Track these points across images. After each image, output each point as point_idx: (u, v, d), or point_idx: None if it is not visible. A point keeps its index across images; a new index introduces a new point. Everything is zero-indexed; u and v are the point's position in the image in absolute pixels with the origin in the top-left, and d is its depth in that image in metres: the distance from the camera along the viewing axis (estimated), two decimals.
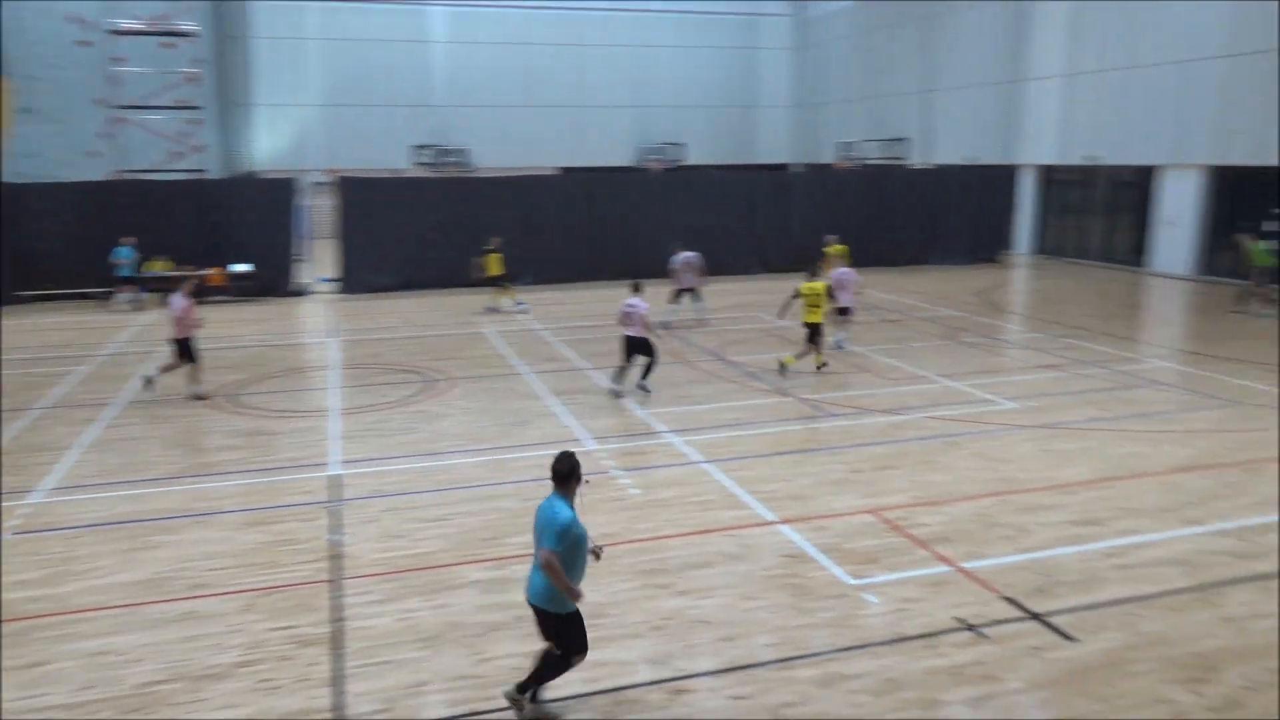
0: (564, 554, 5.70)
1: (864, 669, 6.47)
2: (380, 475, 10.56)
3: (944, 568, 8.01)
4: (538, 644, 6.10)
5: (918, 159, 37.58)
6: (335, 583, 7.88)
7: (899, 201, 29.26)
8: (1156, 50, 26.80)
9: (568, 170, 41.27)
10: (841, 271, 16.90)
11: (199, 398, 13.77)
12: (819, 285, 14.93)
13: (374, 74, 41.89)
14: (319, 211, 31.77)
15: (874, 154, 39.88)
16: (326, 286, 25.20)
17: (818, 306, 14.70)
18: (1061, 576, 7.82)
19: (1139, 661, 6.52)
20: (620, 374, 13.88)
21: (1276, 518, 9.00)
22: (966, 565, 8.05)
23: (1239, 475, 10.20)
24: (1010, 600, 7.42)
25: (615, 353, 14.02)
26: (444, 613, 7.35)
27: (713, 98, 47.33)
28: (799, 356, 14.86)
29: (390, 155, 42.09)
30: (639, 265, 26.59)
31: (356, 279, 24.67)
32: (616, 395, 13.72)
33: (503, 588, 7.73)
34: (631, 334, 13.61)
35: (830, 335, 16.06)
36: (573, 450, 6.13)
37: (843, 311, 16.60)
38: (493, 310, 21.66)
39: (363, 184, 25.13)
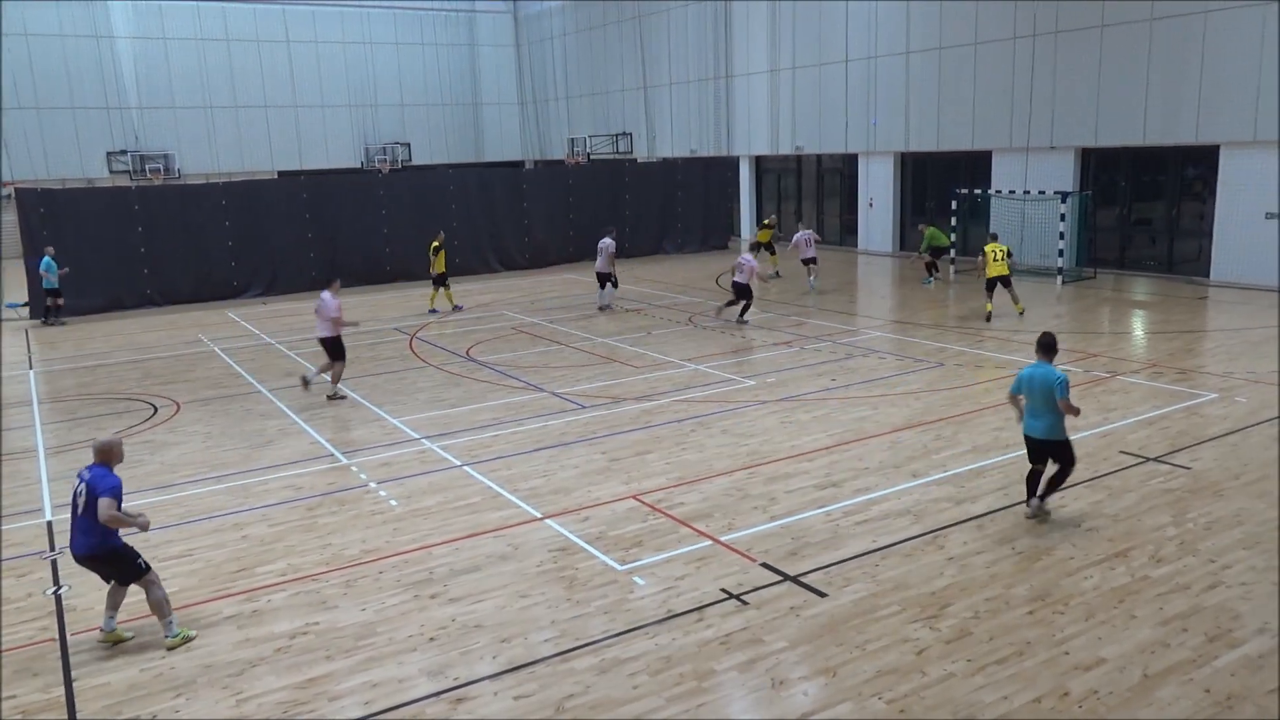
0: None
1: (640, 650, 6.63)
2: None
3: (705, 543, 8.37)
4: (308, 672, 5.75)
5: (644, 153, 38.88)
6: (63, 640, 7.07)
7: (632, 194, 30.16)
8: (845, 48, 29.21)
9: (287, 174, 39.24)
10: (803, 234, 22.43)
11: (340, 397, 13.97)
12: (998, 246, 17.98)
13: (53, 73, 37.50)
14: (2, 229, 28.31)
15: (602, 149, 40.83)
16: (16, 313, 22.52)
17: (1000, 260, 17.73)
18: (810, 538, 8.39)
19: (883, 607, 7.11)
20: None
21: (984, 463, 10.13)
22: (725, 538, 8.44)
23: (950, 428, 11.38)
24: (767, 566, 7.86)
25: (359, 362, 13.50)
26: (195, 655, 6.80)
27: (436, 96, 46.41)
28: (992, 302, 18.12)
29: (85, 164, 38.14)
30: (375, 270, 26.02)
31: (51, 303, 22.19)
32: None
33: (259, 620, 7.25)
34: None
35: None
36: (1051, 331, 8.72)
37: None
38: (434, 312, 21.12)
39: (46, 196, 22.55)
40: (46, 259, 21.18)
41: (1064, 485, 8.64)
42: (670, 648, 6.65)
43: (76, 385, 15.51)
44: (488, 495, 9.75)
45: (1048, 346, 8.41)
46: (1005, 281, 17.81)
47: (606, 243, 20.33)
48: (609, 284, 20.44)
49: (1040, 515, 8.57)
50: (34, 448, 12.06)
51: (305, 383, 14.29)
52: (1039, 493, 8.55)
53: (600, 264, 20.34)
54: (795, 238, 22.63)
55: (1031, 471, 8.62)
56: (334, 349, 13.94)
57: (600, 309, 20.51)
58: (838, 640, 6.66)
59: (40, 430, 12.91)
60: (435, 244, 21.11)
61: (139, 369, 16.51)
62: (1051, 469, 8.51)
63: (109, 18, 38.40)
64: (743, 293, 18.45)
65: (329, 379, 14.04)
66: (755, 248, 24.41)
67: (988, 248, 18.02)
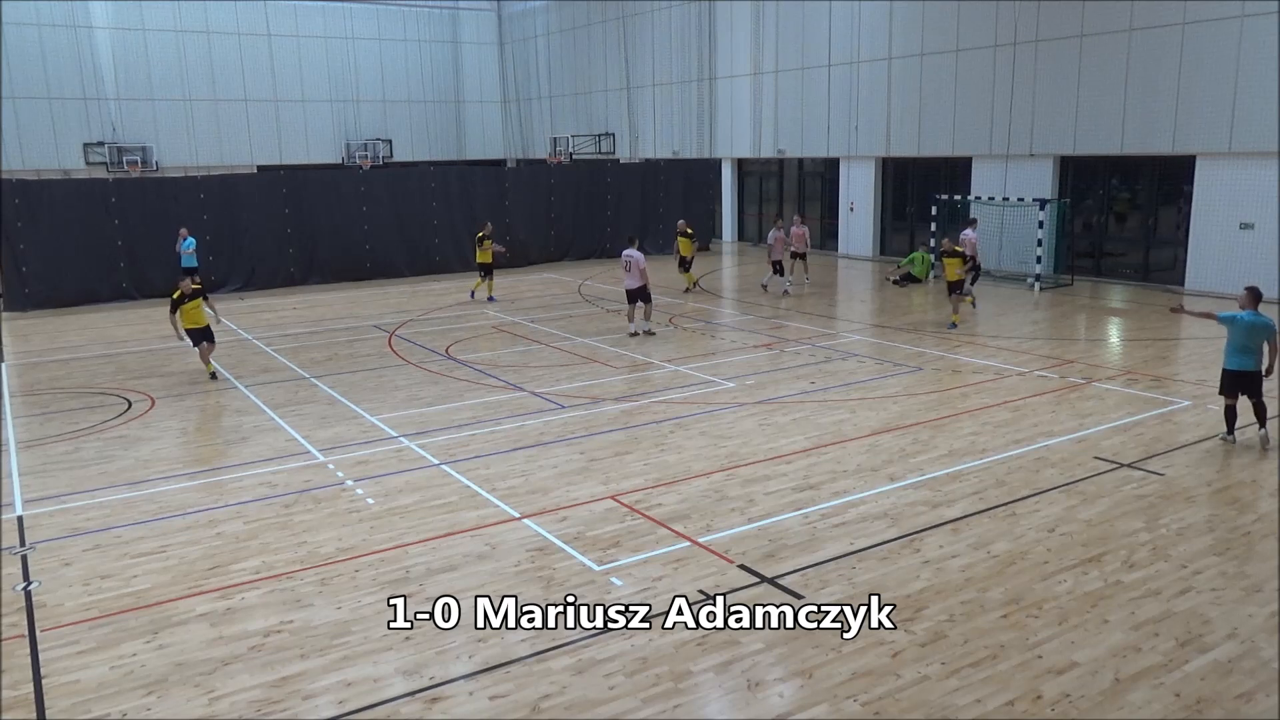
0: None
1: (616, 651, 6.62)
2: (76, 511, 9.47)
3: (683, 544, 8.37)
4: (281, 670, 5.69)
5: (626, 154, 38.86)
6: (32, 637, 6.98)
7: (614, 195, 30.14)
8: (827, 52, 29.31)
9: (267, 168, 38.93)
10: (780, 231, 23.18)
11: (651, 333, 17.30)
12: (954, 247, 18.46)
13: (30, 63, 37.02)
14: None
15: (585, 149, 40.78)
16: None
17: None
18: (787, 540, 8.41)
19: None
20: None
21: (960, 467, 10.19)
22: (702, 539, 8.44)
23: (928, 432, 11.44)
24: (744, 568, 7.87)
25: (336, 359, 13.39)
26: (167, 653, 6.73)
27: (419, 93, 46.15)
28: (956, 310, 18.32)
29: (61, 155, 37.69)
30: (354, 266, 25.88)
31: (24, 294, 21.96)
32: None
33: (232, 618, 7.19)
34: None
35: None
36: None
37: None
38: (491, 299, 22.26)
39: (20, 186, 22.23)
40: (189, 239, 22.09)
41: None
42: (647, 649, 6.65)
43: (49, 379, 15.33)
44: (465, 494, 9.71)
45: (1256, 296, 10.46)
46: (956, 285, 17.97)
47: (778, 234, 22.58)
48: (780, 269, 22.53)
49: (1264, 441, 10.52)
50: (4, 442, 11.90)
51: (648, 332, 17.19)
52: (1260, 428, 10.55)
53: (776, 254, 22.39)
54: (772, 235, 23.40)
55: (1227, 406, 10.70)
56: (645, 295, 16.75)
57: (785, 291, 22.42)
58: (814, 642, 6.68)
59: (11, 424, 12.75)
60: (481, 234, 22.19)
61: (113, 363, 16.34)
62: (1245, 405, 10.62)
63: (87, 8, 37.95)
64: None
65: (648, 323, 17.20)
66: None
67: (940, 252, 18.77)
